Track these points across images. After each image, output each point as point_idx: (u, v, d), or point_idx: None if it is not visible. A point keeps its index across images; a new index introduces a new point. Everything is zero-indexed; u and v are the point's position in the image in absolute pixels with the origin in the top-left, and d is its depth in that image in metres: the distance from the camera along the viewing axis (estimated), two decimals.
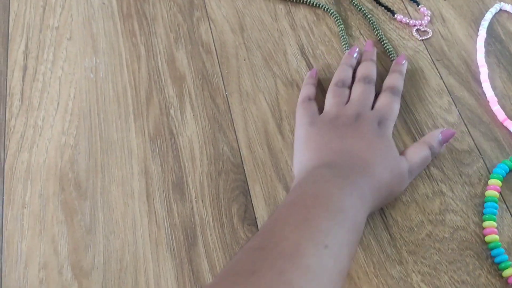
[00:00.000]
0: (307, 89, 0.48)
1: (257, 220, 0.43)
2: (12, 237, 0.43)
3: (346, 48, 0.51)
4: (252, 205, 0.44)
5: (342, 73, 0.48)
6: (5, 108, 0.50)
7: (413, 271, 0.40)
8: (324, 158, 0.41)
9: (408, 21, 0.54)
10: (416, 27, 0.54)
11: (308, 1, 0.55)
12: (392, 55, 0.51)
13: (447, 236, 0.42)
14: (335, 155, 0.41)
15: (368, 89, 0.46)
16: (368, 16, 0.54)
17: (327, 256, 0.31)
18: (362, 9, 0.54)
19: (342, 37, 0.52)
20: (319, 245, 0.31)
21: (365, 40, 0.52)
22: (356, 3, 0.55)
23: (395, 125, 0.47)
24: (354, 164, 0.40)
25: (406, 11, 0.55)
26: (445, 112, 0.48)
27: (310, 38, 0.53)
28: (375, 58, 0.49)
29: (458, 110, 0.48)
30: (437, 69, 0.51)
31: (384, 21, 0.54)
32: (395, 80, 0.47)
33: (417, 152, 0.43)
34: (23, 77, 0.51)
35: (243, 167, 0.46)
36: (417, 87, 0.50)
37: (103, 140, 0.47)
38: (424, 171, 0.45)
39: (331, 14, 0.54)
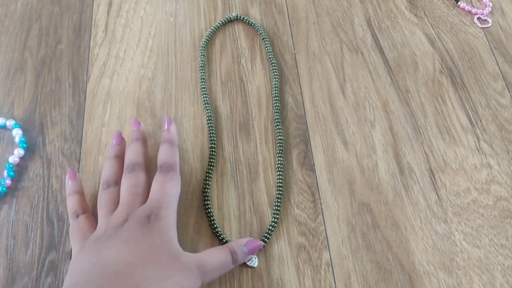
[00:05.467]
0: (72, 202, 0.42)
1: (315, 166, 0.46)
2: (91, 150, 0.46)
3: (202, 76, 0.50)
4: (311, 153, 0.47)
5: (106, 171, 0.43)
6: (90, 37, 0.53)
7: (457, 230, 0.43)
8: None
9: (470, 9, 0.57)
10: (477, 16, 0.57)
11: None
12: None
13: (490, 203, 0.45)
14: (84, 278, 0.35)
15: (133, 179, 0.41)
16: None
17: None
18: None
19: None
20: None
21: None
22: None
23: (450, 101, 0.50)
24: (107, 278, 0.34)
25: (469, 0, 0.58)
26: (498, 94, 0.51)
27: (377, 12, 0.56)
28: (140, 136, 0.44)
29: (510, 94, 0.51)
30: (494, 56, 0.54)
31: (448, 6, 0.57)
32: (164, 154, 0.42)
33: (216, 254, 0.39)
34: (108, 12, 0.55)
35: (305, 119, 0.49)
36: (474, 69, 0.53)
37: (178, 78, 0.51)
38: (474, 145, 0.48)
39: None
